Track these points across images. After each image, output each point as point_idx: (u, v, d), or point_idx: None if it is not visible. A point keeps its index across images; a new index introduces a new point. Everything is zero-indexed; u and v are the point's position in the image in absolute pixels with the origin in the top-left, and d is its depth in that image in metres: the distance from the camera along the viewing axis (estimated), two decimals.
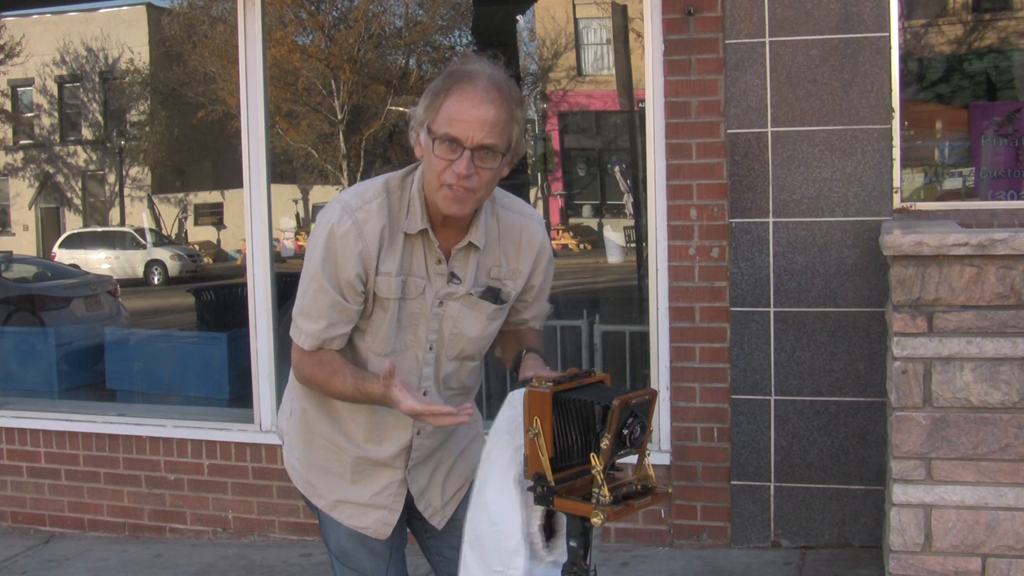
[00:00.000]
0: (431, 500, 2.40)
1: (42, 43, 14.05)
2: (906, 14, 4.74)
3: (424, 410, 2.05)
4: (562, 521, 2.10)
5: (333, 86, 13.84)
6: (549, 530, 2.13)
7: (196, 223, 16.16)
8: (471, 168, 2.06)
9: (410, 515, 2.43)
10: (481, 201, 2.15)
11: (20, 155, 15.39)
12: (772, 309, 4.28)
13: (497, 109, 2.05)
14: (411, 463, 2.35)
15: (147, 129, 15.41)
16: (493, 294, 2.27)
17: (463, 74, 2.08)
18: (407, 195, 2.19)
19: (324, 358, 2.21)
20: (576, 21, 13.04)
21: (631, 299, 6.87)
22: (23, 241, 15.03)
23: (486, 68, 2.10)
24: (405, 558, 2.45)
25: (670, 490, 4.34)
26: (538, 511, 2.09)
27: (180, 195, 16.09)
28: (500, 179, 2.16)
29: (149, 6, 14.30)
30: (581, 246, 12.74)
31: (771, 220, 4.26)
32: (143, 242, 14.64)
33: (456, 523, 2.33)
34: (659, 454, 4.41)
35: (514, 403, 2.11)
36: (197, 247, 15.63)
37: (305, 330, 2.19)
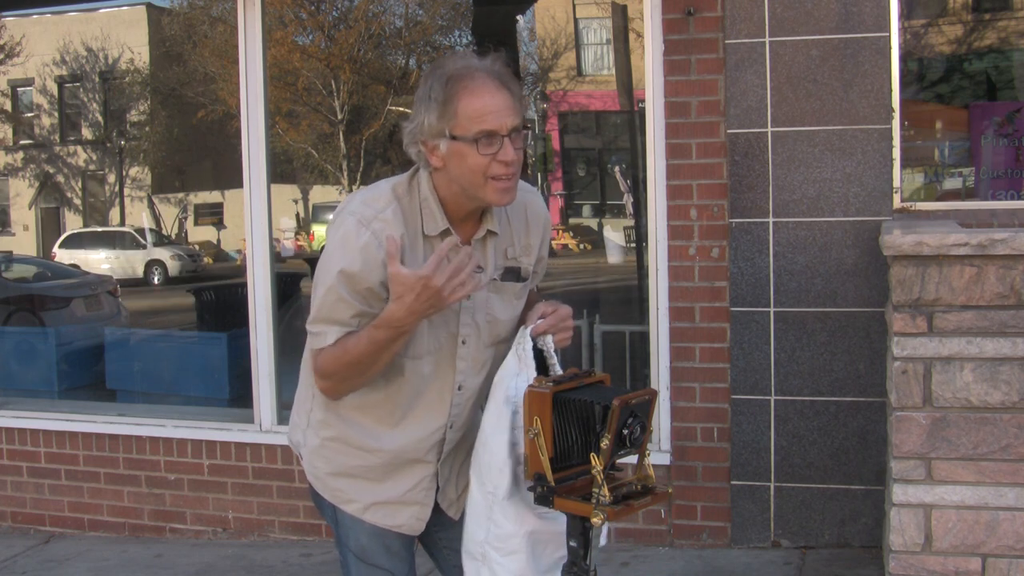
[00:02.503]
0: (448, 492, 2.41)
1: (42, 43, 14.06)
2: (906, 14, 4.74)
3: (431, 266, 2.01)
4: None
5: (333, 86, 13.85)
6: None
7: (196, 223, 16.18)
8: (514, 152, 2.10)
9: None
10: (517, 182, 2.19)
11: (20, 155, 15.40)
12: (772, 309, 4.28)
13: (507, 91, 2.11)
14: (442, 456, 2.36)
15: (147, 129, 15.42)
16: (514, 274, 2.31)
17: (459, 73, 2.10)
18: (417, 199, 2.20)
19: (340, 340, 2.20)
20: (576, 21, 13.05)
21: (631, 299, 6.88)
22: (23, 241, 15.04)
23: (472, 60, 2.14)
24: (414, 556, 2.47)
25: (670, 490, 4.34)
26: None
27: (180, 195, 16.11)
28: None
29: (149, 6, 14.31)
30: (581, 246, 12.76)
31: (771, 220, 4.26)
32: (143, 242, 14.64)
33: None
34: (659, 454, 4.41)
35: (522, 338, 2.19)
36: (197, 247, 15.64)
37: (329, 333, 2.18)
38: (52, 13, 12.79)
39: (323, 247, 2.23)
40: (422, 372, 2.25)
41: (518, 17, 8.96)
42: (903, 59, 4.41)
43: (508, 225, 2.30)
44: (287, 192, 14.99)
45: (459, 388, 2.29)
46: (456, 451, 2.40)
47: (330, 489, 2.40)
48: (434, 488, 2.38)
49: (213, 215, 16.04)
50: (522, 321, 2.35)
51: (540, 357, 2.20)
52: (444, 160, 2.13)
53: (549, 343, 2.20)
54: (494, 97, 2.08)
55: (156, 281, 14.07)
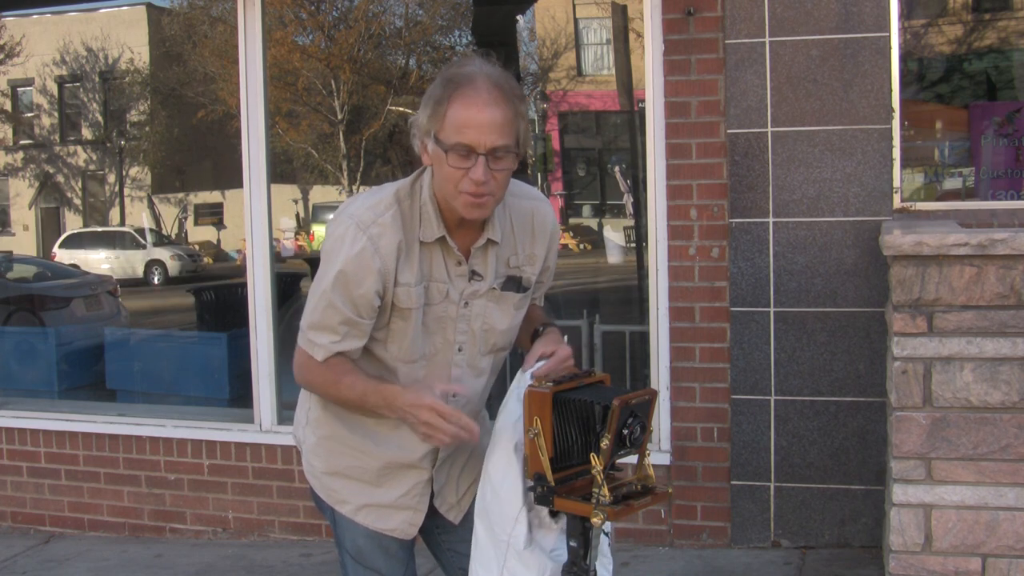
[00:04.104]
0: (447, 496, 2.40)
1: (42, 43, 14.05)
2: (906, 14, 4.74)
3: (447, 414, 2.09)
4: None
5: (333, 86, 13.84)
6: None
7: (196, 223, 16.17)
8: (488, 173, 2.04)
9: None
10: (499, 201, 2.14)
11: (20, 155, 15.40)
12: (772, 309, 4.28)
13: (503, 109, 2.04)
14: (437, 463, 2.35)
15: (147, 129, 15.42)
16: (515, 283, 2.27)
17: (462, 78, 2.05)
18: (418, 203, 2.17)
19: (334, 362, 2.20)
20: (576, 21, 13.04)
21: (631, 299, 6.87)
22: (23, 241, 15.04)
23: (483, 68, 2.07)
24: (414, 557, 2.46)
25: (670, 490, 4.33)
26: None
27: (180, 195, 16.10)
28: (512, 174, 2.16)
29: (149, 6, 14.30)
30: (581, 246, 12.74)
31: (771, 220, 4.26)
32: (143, 242, 14.64)
33: (469, 516, 2.35)
34: (659, 454, 4.41)
35: (523, 383, 2.16)
36: (197, 247, 15.64)
37: (318, 342, 2.18)
38: (52, 13, 12.79)
39: (322, 245, 2.22)
40: (416, 376, 2.24)
41: (518, 17, 8.95)
42: (903, 59, 4.41)
43: (512, 233, 2.26)
44: (287, 192, 14.97)
45: (454, 395, 2.27)
46: (453, 458, 2.39)
47: (325, 488, 2.40)
48: (428, 494, 2.37)
49: (213, 215, 16.03)
50: (526, 344, 2.32)
51: None
52: (431, 160, 2.11)
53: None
54: (483, 111, 2.02)
55: (156, 281, 14.07)
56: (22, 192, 15.29)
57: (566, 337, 2.35)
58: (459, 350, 2.26)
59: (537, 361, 2.19)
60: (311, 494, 2.47)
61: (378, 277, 2.12)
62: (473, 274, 2.22)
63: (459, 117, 2.03)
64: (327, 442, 2.37)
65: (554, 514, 2.11)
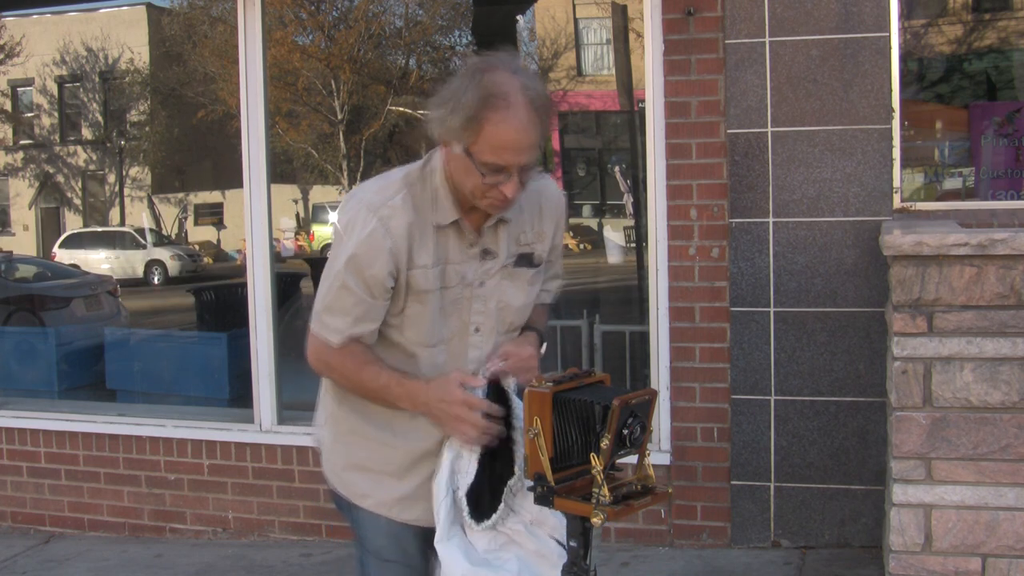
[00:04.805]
0: None
1: (42, 43, 14.06)
2: (906, 14, 4.74)
3: (468, 401, 2.15)
4: (484, 482, 2.20)
5: (333, 86, 13.85)
6: (479, 496, 2.18)
7: (196, 223, 16.19)
8: (518, 187, 2.10)
9: None
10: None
11: (20, 155, 15.42)
12: (772, 309, 4.28)
13: (537, 127, 2.08)
14: None
15: (147, 129, 15.44)
16: (527, 259, 2.31)
17: (499, 98, 2.05)
18: (430, 188, 2.20)
19: (354, 349, 2.22)
20: (576, 21, 13.04)
21: (631, 299, 6.87)
22: (23, 241, 15.05)
23: (517, 79, 2.08)
24: (428, 555, 2.47)
25: (670, 490, 4.34)
26: (468, 477, 2.16)
27: (180, 195, 16.12)
28: None
29: (149, 6, 14.32)
30: (581, 246, 12.73)
31: (771, 220, 4.26)
32: (143, 242, 14.65)
33: None
34: (659, 454, 4.41)
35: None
36: (197, 247, 15.65)
37: (332, 326, 2.20)
38: (52, 13, 12.80)
39: (324, 244, 2.24)
40: (436, 361, 2.26)
41: (518, 17, 8.94)
42: (903, 59, 4.41)
43: (521, 211, 2.29)
44: (287, 192, 14.99)
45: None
46: None
47: (345, 484, 2.39)
48: None
49: (213, 215, 16.05)
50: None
51: (500, 392, 2.23)
52: (454, 159, 2.13)
53: (511, 384, 2.22)
54: (520, 135, 2.05)
55: (156, 281, 14.08)
56: (22, 192, 15.30)
57: (544, 345, 2.38)
58: (476, 331, 2.27)
59: (500, 360, 2.24)
60: (331, 495, 2.45)
61: (390, 257, 2.14)
62: (486, 252, 2.25)
63: (497, 139, 2.05)
64: (346, 437, 2.37)
65: (477, 517, 2.16)
